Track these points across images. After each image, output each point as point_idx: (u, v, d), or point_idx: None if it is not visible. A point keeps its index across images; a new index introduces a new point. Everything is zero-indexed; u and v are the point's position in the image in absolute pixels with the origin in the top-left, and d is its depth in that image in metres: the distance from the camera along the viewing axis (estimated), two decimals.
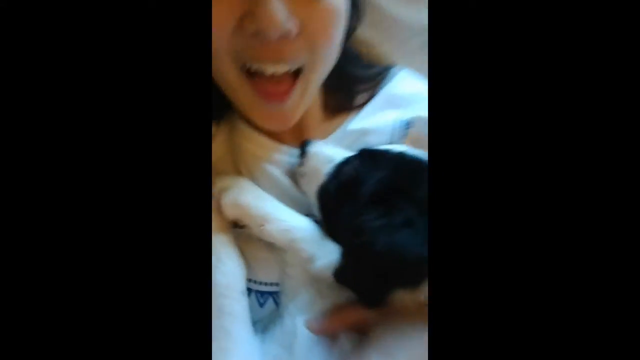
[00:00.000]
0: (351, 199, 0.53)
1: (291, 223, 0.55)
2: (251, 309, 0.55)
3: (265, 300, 0.58)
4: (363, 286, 0.50)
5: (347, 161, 0.58)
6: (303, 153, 0.61)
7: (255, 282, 0.58)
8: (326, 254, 0.52)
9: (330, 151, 0.61)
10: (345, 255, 0.49)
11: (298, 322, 0.52)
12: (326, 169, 0.58)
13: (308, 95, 0.57)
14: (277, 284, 0.58)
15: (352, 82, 0.66)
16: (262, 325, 0.56)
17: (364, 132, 0.64)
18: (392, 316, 0.47)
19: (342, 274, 0.49)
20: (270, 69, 0.52)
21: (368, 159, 0.55)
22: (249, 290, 0.57)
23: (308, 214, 0.59)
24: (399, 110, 0.65)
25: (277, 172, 0.62)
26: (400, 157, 0.54)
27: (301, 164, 0.60)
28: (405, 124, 0.64)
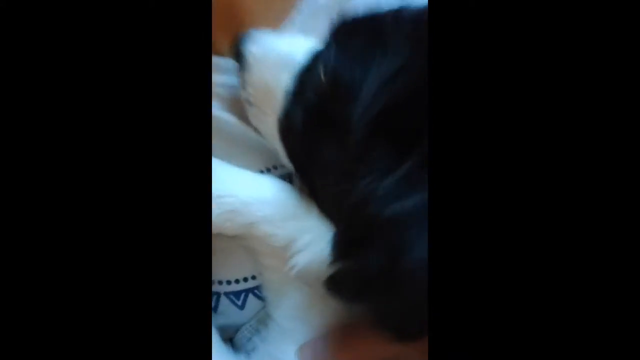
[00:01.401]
0: (334, 133, 0.32)
1: (242, 197, 0.38)
2: (228, 315, 0.46)
3: (245, 300, 0.46)
4: (385, 305, 0.29)
5: (316, 57, 0.35)
6: (240, 60, 0.39)
7: (221, 282, 0.45)
8: (309, 239, 0.36)
9: (284, 45, 0.38)
10: (340, 245, 0.30)
11: (287, 351, 0.38)
12: (282, 83, 0.36)
13: None
14: (254, 277, 0.45)
15: None
16: (251, 328, 0.45)
17: None
18: None
19: (340, 284, 0.31)
20: None
21: (357, 40, 0.32)
22: (217, 294, 0.45)
23: (275, 165, 0.44)
24: None
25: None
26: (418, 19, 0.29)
27: (243, 83, 0.40)
28: None
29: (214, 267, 0.45)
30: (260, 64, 0.38)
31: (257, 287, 0.45)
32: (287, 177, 0.43)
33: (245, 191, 0.38)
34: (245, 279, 0.44)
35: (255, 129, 0.43)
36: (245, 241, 0.41)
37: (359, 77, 0.30)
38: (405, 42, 0.28)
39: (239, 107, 0.43)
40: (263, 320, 0.44)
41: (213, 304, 0.45)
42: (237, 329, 0.45)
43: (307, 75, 0.34)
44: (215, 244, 0.43)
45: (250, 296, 0.45)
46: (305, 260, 0.34)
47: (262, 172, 0.44)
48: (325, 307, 0.38)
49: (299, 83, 0.35)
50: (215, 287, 0.45)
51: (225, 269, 0.44)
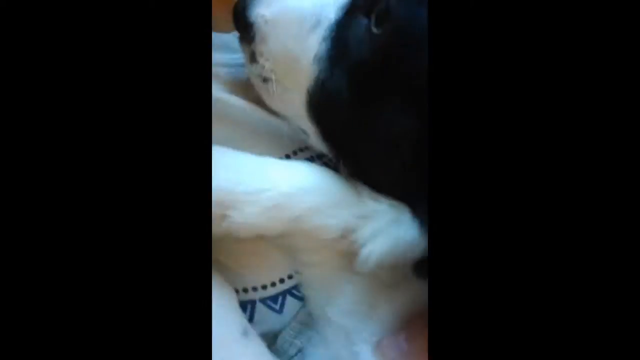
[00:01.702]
0: (400, 94, 0.28)
1: (282, 188, 0.32)
2: (266, 322, 0.43)
3: (283, 303, 0.44)
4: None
5: (355, 6, 0.29)
6: (248, 30, 0.33)
7: (256, 289, 0.42)
8: (380, 225, 0.32)
9: (305, 1, 0.32)
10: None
11: (355, 352, 0.36)
12: (309, 47, 0.31)
13: None
14: (290, 277, 0.42)
15: None
16: (293, 332, 0.43)
17: None
18: None
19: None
20: None
21: None
22: (252, 302, 0.42)
23: (296, 150, 0.40)
24: None
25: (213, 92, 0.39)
26: None
27: (254, 57, 0.34)
28: None
29: (246, 274, 0.41)
30: (278, 30, 0.32)
31: (295, 287, 0.42)
32: (312, 161, 0.39)
33: (283, 182, 0.32)
34: (282, 280, 0.42)
35: (272, 110, 0.37)
36: (285, 239, 0.36)
37: (421, 19, 0.25)
38: None
39: (244, 88, 0.38)
40: (305, 321, 0.42)
41: (248, 314, 0.42)
42: (276, 334, 0.43)
43: (346, 31, 0.29)
44: (246, 248, 0.40)
45: (288, 298, 0.43)
46: (382, 248, 0.30)
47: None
48: (391, 297, 0.35)
49: (337, 43, 0.29)
50: (249, 295, 0.41)
51: (260, 274, 0.41)
